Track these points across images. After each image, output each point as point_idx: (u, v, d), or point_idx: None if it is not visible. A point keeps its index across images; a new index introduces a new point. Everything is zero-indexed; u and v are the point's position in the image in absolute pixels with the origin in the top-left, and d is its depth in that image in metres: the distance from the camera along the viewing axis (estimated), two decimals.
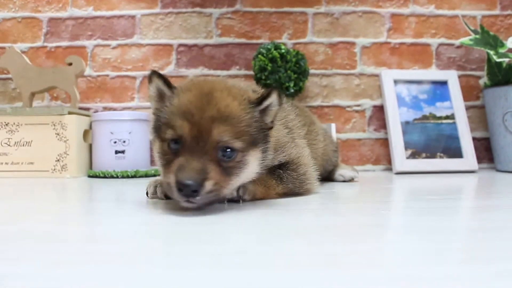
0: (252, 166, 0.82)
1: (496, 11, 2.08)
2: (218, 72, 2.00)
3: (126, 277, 0.41)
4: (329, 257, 0.47)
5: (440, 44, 2.07)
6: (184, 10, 2.02)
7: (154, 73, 0.83)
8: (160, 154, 0.81)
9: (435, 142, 1.91)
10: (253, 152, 0.81)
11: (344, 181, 1.39)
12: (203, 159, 0.74)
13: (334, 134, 1.83)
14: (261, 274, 0.41)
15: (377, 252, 0.50)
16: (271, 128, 0.87)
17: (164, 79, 0.83)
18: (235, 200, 0.86)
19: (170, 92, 0.82)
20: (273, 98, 0.83)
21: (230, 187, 0.80)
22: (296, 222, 0.69)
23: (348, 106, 2.03)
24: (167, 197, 0.90)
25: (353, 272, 0.42)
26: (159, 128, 0.81)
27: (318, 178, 1.05)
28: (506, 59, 1.76)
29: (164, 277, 0.40)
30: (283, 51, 1.76)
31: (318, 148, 1.24)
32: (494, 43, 1.86)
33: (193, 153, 0.74)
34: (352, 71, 2.04)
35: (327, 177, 1.42)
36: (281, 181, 0.95)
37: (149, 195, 0.92)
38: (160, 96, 0.84)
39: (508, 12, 2.08)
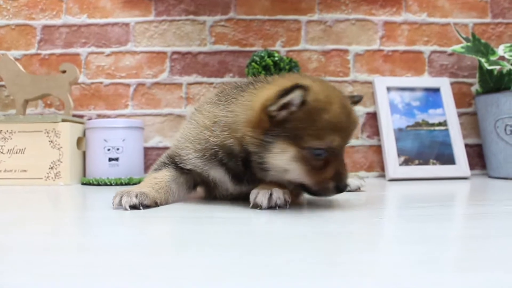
0: None
1: (487, 19, 2.11)
2: (212, 79, 2.01)
3: (119, 287, 0.41)
4: (319, 265, 0.47)
5: (433, 52, 2.09)
6: (178, 18, 2.03)
7: (302, 88, 0.82)
8: (301, 160, 0.86)
9: (428, 149, 1.93)
10: None
11: (350, 191, 1.28)
12: (343, 160, 0.91)
13: None
14: (253, 283, 0.41)
15: (368, 260, 0.51)
16: None
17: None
18: (273, 207, 0.88)
19: (302, 102, 0.84)
20: None
21: None
22: (287, 230, 0.69)
23: None
24: (132, 207, 0.89)
25: (344, 281, 0.42)
26: (296, 136, 0.85)
27: None
28: (498, 67, 1.78)
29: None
30: (276, 58, 1.77)
31: None
32: (486, 50, 1.87)
33: (339, 159, 0.90)
34: (345, 79, 2.05)
35: None
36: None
37: (114, 204, 0.91)
38: (289, 105, 0.84)
39: (499, 20, 2.11)
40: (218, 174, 0.98)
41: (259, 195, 0.89)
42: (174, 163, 1.04)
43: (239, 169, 0.95)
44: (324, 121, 0.84)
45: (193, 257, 0.52)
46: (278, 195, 0.88)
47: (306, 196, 1.06)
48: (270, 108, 0.85)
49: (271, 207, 0.88)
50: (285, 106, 0.84)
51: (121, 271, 0.46)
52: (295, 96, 0.82)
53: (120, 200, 0.90)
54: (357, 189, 1.31)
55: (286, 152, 0.86)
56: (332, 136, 0.85)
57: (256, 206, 0.88)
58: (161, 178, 1.00)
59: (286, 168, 0.88)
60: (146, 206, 0.91)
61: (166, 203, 0.99)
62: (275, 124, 0.86)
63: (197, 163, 0.98)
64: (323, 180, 0.88)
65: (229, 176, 0.97)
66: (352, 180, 1.32)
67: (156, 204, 0.94)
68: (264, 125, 0.87)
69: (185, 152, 1.00)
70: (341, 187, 0.88)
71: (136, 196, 0.90)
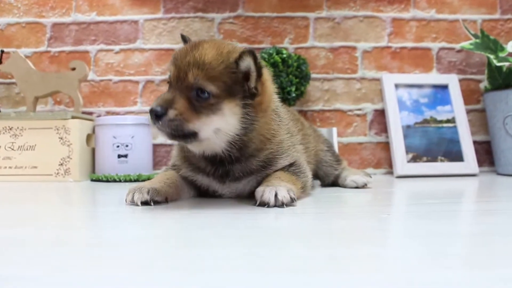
0: (228, 116, 0.89)
1: (496, 15, 2.09)
2: None
3: (130, 281, 0.42)
4: (328, 261, 0.48)
5: (441, 48, 2.08)
6: (186, 15, 2.04)
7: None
8: None
9: (436, 146, 1.92)
10: (228, 102, 0.89)
11: (356, 187, 1.31)
12: (175, 93, 0.88)
13: (335, 138, 1.84)
14: (262, 277, 0.42)
15: (377, 256, 0.51)
16: (255, 94, 0.92)
17: (184, 38, 1.02)
18: (280, 205, 0.88)
19: None
20: (247, 62, 0.89)
21: (199, 125, 0.87)
22: (295, 225, 0.69)
23: (350, 110, 2.04)
24: (143, 203, 0.90)
25: (353, 276, 0.43)
26: None
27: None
28: (506, 63, 1.77)
29: (168, 281, 0.41)
30: (284, 55, 1.77)
31: (310, 151, 1.25)
32: (494, 47, 1.86)
33: (171, 90, 0.89)
34: (353, 76, 2.05)
35: (334, 182, 1.38)
36: (298, 177, 1.00)
37: (127, 201, 0.93)
38: None
39: (508, 16, 2.09)
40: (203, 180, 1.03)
41: (265, 193, 0.88)
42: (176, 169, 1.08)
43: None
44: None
45: (199, 250, 0.53)
46: (283, 194, 0.88)
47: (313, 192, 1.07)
48: None
49: (278, 205, 0.88)
50: None
51: (130, 263, 0.47)
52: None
53: (133, 197, 0.91)
54: (364, 186, 1.32)
55: None
56: (170, 67, 0.92)
57: (263, 204, 0.88)
58: (171, 175, 1.03)
59: None
60: (157, 202, 0.92)
61: (177, 198, 1.00)
62: None
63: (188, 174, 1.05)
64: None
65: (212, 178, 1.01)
66: (359, 177, 1.33)
67: (166, 200, 0.95)
68: None
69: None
70: (151, 107, 0.85)
71: (148, 192, 0.91)
